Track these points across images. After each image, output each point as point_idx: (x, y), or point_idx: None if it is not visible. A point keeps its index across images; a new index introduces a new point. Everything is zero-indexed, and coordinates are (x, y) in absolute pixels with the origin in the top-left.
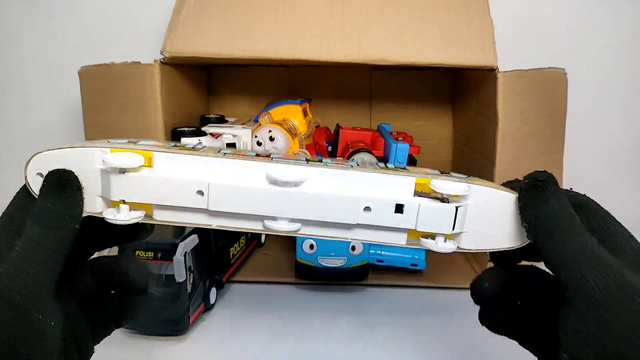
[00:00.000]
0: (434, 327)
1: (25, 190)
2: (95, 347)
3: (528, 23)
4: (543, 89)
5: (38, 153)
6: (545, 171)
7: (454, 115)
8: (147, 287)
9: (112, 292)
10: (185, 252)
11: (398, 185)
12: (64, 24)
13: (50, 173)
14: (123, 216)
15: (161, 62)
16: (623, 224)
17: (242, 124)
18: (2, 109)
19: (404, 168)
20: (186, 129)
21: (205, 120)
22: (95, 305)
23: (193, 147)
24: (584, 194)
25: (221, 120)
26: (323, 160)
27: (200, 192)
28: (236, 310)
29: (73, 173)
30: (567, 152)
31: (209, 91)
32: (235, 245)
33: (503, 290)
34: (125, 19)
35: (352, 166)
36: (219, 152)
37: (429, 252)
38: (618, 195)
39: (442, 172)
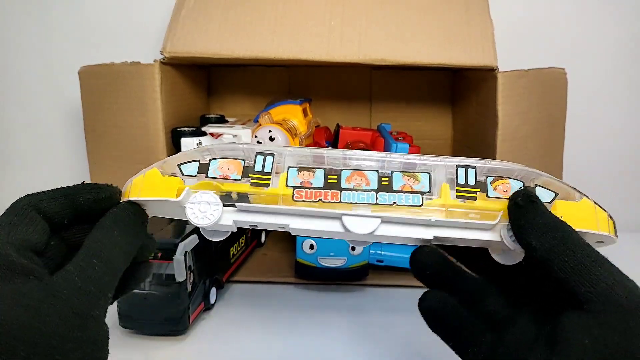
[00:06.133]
0: None
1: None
2: None
3: (528, 23)
4: (543, 89)
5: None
6: (525, 186)
7: (454, 115)
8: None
9: None
10: (185, 252)
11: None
12: (64, 24)
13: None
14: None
15: (161, 62)
16: (623, 224)
17: (242, 124)
18: (2, 109)
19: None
20: (186, 129)
21: (205, 120)
22: None
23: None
24: None
25: (221, 120)
26: (394, 180)
27: (282, 226)
28: (236, 310)
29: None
30: (567, 152)
31: (209, 91)
32: (235, 245)
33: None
34: (125, 19)
35: (423, 201)
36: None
37: None
38: (618, 195)
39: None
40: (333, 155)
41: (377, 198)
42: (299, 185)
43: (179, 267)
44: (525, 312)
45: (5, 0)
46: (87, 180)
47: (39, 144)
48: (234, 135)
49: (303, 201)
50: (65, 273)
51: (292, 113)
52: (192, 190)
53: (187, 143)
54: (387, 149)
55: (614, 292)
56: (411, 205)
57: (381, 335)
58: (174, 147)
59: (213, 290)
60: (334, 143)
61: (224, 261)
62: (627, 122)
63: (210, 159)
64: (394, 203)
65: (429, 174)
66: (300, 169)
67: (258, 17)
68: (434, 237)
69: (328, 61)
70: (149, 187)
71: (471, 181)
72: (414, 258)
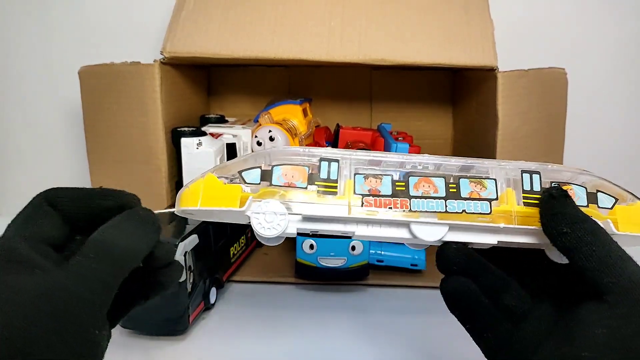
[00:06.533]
0: (434, 327)
1: (40, 201)
2: (108, 342)
3: (528, 23)
4: (543, 89)
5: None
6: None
7: (454, 115)
8: (174, 257)
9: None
10: (185, 252)
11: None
12: (64, 24)
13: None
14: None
15: (161, 62)
16: None
17: (242, 124)
18: (2, 109)
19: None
20: (186, 129)
21: (205, 120)
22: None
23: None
24: None
25: (221, 120)
26: (462, 188)
27: (345, 233)
28: (236, 310)
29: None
30: (567, 152)
31: (209, 91)
32: (235, 245)
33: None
34: (125, 19)
35: (491, 208)
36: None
37: (429, 252)
38: None
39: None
40: (391, 161)
41: (446, 206)
42: (367, 193)
43: None
44: (543, 305)
45: (5, 0)
46: (87, 180)
47: (39, 144)
48: (234, 135)
49: (372, 210)
50: (61, 270)
51: (292, 113)
52: (256, 200)
53: (187, 143)
54: (387, 149)
55: (636, 288)
56: (480, 213)
57: (381, 335)
58: (174, 147)
59: (213, 290)
60: (334, 143)
61: (224, 261)
62: (627, 122)
63: (273, 166)
64: (464, 211)
65: (495, 180)
66: (367, 176)
67: (258, 17)
68: (497, 242)
69: (328, 61)
70: (209, 195)
71: (536, 187)
72: (441, 254)
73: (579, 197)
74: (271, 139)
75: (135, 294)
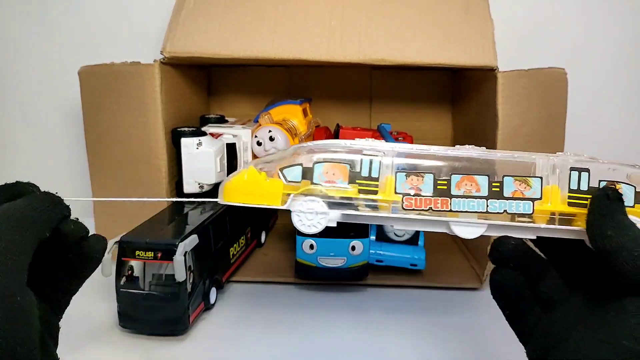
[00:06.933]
0: (434, 327)
1: None
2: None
3: (528, 23)
4: (543, 89)
5: None
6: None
7: (454, 115)
8: (86, 231)
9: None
10: (185, 252)
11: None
12: (64, 24)
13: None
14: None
15: (161, 62)
16: None
17: (242, 124)
18: (2, 109)
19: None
20: (186, 129)
21: (205, 120)
22: (47, 277)
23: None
24: None
25: (221, 120)
26: (505, 188)
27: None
28: (236, 310)
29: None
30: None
31: (209, 91)
32: (235, 245)
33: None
34: (125, 19)
35: (533, 208)
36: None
37: (428, 252)
38: None
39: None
40: (436, 153)
41: (487, 206)
42: (408, 192)
43: (179, 267)
44: (578, 294)
45: (5, 0)
46: (87, 180)
47: (39, 144)
48: (234, 135)
49: (413, 209)
50: None
51: (292, 113)
52: (297, 197)
53: (187, 143)
54: None
55: None
56: (521, 214)
57: (381, 335)
58: (174, 147)
59: (213, 290)
60: None
61: (224, 261)
62: (627, 122)
63: (315, 163)
64: (505, 211)
65: (540, 178)
66: (408, 174)
67: (258, 17)
68: (537, 236)
69: (328, 61)
70: (252, 192)
71: (584, 186)
72: (497, 249)
73: (626, 196)
74: (271, 139)
75: (67, 275)
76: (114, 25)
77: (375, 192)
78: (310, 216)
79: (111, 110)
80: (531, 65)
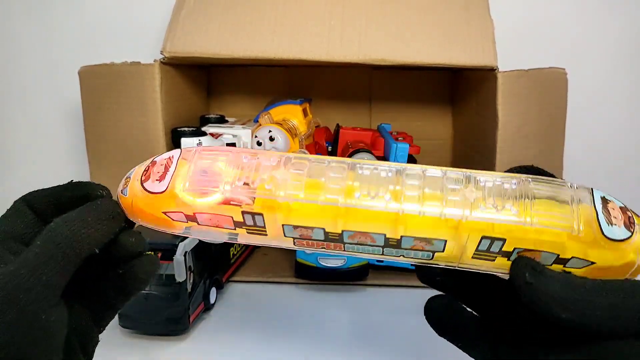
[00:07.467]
0: None
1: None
2: (95, 347)
3: (528, 23)
4: (543, 89)
5: None
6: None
7: (454, 115)
8: (144, 248)
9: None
10: (185, 252)
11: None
12: (64, 24)
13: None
14: None
15: (161, 62)
16: None
17: (242, 124)
18: (3, 109)
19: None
20: (186, 129)
21: (205, 120)
22: (93, 288)
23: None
24: None
25: (221, 120)
26: None
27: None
28: (236, 310)
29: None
30: (567, 152)
31: (209, 91)
32: (235, 245)
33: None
34: (125, 19)
35: (434, 256)
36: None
37: None
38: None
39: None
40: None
41: (383, 253)
42: (298, 237)
43: (179, 267)
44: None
45: (6, 0)
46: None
47: (39, 144)
48: (234, 135)
49: (304, 247)
50: (14, 261)
51: (292, 113)
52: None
53: (187, 143)
54: (387, 149)
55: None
56: (420, 259)
57: (381, 336)
58: (174, 147)
59: (213, 290)
60: (334, 143)
61: (224, 261)
62: (628, 122)
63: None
64: (402, 256)
65: (445, 241)
66: (296, 227)
67: (258, 17)
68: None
69: (328, 61)
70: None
71: (495, 250)
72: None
73: (546, 261)
74: (271, 139)
75: (114, 290)
76: (114, 25)
77: (265, 235)
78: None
79: (111, 110)
80: (531, 65)
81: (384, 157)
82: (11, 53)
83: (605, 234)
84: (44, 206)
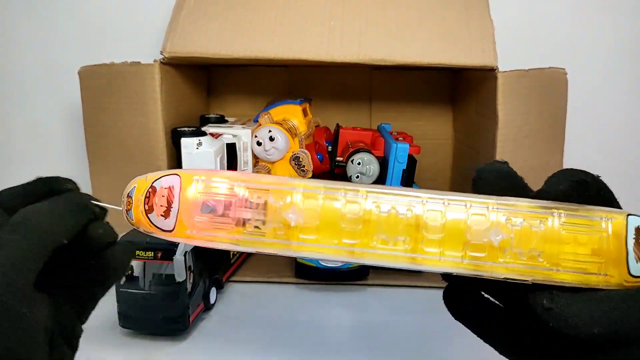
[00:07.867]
0: (434, 327)
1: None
2: (94, 346)
3: (528, 23)
4: (543, 89)
5: None
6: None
7: (454, 115)
8: (114, 238)
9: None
10: (185, 252)
11: None
12: (64, 24)
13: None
14: None
15: (161, 62)
16: None
17: (242, 124)
18: (2, 109)
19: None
20: (186, 129)
21: (205, 120)
22: (71, 280)
23: None
24: None
25: (221, 120)
26: None
27: None
28: (236, 310)
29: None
30: (567, 152)
31: (209, 91)
32: None
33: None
34: (125, 19)
35: None
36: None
37: None
38: (619, 196)
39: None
40: None
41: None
42: None
43: (179, 267)
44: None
45: (6, 0)
46: (87, 180)
47: (39, 144)
48: (234, 135)
49: None
50: None
51: (292, 113)
52: None
53: (187, 143)
54: (387, 149)
55: None
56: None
57: (382, 336)
58: (174, 147)
59: (213, 290)
60: (334, 143)
61: (224, 261)
62: (628, 122)
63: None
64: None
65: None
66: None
67: (258, 17)
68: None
69: (328, 61)
70: None
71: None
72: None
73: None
74: (271, 139)
75: (90, 281)
76: (114, 25)
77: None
78: None
79: (111, 110)
80: (531, 65)
81: (384, 157)
82: (11, 53)
83: (631, 272)
84: (11, 202)
